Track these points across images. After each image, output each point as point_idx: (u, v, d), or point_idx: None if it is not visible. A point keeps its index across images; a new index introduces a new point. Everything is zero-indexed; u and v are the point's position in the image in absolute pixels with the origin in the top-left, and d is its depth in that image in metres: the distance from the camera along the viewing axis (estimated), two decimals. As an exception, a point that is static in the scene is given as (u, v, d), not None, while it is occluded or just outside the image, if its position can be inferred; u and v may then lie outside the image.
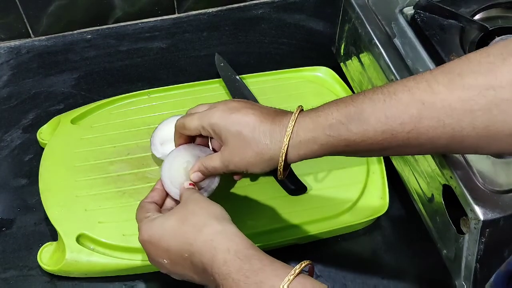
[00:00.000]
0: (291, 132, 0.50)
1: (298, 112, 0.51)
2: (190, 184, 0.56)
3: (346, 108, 0.48)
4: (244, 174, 0.63)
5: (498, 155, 0.55)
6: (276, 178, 0.66)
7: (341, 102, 0.49)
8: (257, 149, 0.51)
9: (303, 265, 0.43)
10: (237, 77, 0.77)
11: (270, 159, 0.52)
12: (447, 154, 0.55)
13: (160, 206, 0.57)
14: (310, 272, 0.48)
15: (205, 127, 0.54)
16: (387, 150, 0.48)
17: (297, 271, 0.42)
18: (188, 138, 0.60)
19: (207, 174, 0.57)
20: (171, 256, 0.49)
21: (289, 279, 0.42)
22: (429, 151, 0.48)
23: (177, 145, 0.61)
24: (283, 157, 0.51)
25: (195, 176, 0.56)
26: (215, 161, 0.55)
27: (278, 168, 0.52)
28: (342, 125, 0.48)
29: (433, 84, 0.44)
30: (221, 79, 0.78)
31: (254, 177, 0.67)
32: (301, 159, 0.52)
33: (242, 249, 0.45)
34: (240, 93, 0.75)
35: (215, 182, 0.59)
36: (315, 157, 0.51)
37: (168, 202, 0.58)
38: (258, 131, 0.51)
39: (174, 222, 0.49)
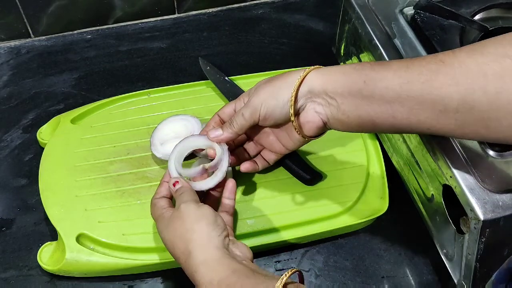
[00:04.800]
0: (314, 68, 0.54)
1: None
2: (174, 184, 0.56)
3: (371, 61, 0.52)
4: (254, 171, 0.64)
5: (501, 150, 0.55)
6: (292, 173, 0.67)
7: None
8: (284, 76, 0.55)
9: (284, 279, 0.43)
10: (227, 78, 0.77)
11: (292, 81, 0.54)
12: (451, 149, 0.55)
13: (170, 198, 0.57)
14: (300, 279, 0.48)
15: (241, 96, 0.59)
16: (401, 103, 0.49)
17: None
18: (221, 122, 0.61)
19: (228, 130, 0.58)
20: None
21: None
22: (443, 116, 0.47)
23: (210, 125, 0.62)
24: (304, 76, 0.53)
25: (214, 133, 0.58)
26: (231, 104, 0.59)
27: (292, 92, 0.53)
28: (366, 65, 0.51)
29: (456, 50, 0.47)
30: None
31: (254, 176, 0.67)
32: (321, 88, 0.53)
33: (225, 278, 0.46)
34: (233, 93, 0.75)
35: (225, 161, 0.58)
36: (333, 92, 0.52)
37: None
38: (288, 73, 0.55)
39: (168, 243, 0.51)
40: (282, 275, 0.44)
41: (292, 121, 0.54)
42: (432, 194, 0.59)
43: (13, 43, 0.88)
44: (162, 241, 0.52)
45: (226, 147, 0.59)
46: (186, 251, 0.48)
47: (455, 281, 0.57)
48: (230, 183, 0.58)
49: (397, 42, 0.67)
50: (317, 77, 0.53)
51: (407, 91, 0.48)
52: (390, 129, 0.52)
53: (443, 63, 0.46)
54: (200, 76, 0.80)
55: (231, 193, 0.58)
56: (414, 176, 0.63)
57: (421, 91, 0.47)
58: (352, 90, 0.51)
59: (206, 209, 0.51)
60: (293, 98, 0.53)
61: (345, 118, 0.52)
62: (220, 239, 0.49)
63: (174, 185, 0.56)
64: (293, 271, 0.45)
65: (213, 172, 0.59)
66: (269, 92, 0.55)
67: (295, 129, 0.55)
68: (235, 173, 0.66)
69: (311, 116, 0.54)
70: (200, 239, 0.49)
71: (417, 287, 0.62)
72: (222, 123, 0.60)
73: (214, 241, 0.49)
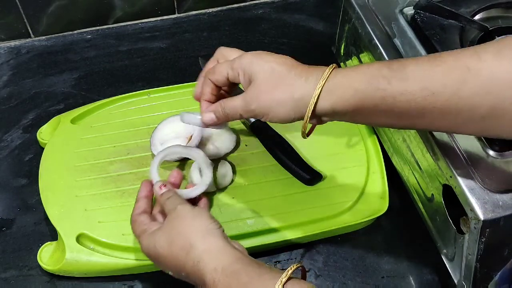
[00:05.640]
0: (329, 75, 0.48)
1: (334, 66, 0.49)
2: (160, 186, 0.56)
3: (389, 63, 0.47)
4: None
5: (501, 150, 0.55)
6: (292, 173, 0.66)
7: (382, 62, 0.48)
8: (288, 85, 0.48)
9: (290, 271, 0.43)
10: None
11: (299, 99, 0.48)
12: (451, 150, 0.55)
13: (150, 213, 0.57)
14: (303, 275, 0.48)
15: (235, 67, 0.51)
16: (423, 116, 0.45)
17: (283, 280, 0.43)
18: (213, 88, 0.55)
19: (222, 118, 0.53)
20: (172, 271, 0.51)
21: None
22: (464, 124, 0.46)
23: (203, 95, 0.56)
24: (316, 99, 0.47)
25: (208, 116, 0.54)
26: (236, 101, 0.51)
27: (307, 113, 0.48)
28: (383, 76, 0.46)
29: (480, 52, 0.43)
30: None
31: (254, 176, 0.67)
32: (331, 109, 0.48)
33: (228, 265, 0.46)
34: (233, 93, 0.74)
35: (207, 172, 0.61)
36: (345, 111, 0.48)
37: (156, 208, 0.59)
38: (295, 71, 0.49)
39: (164, 244, 0.50)
40: (287, 268, 0.44)
41: (305, 136, 0.52)
42: (432, 194, 0.59)
43: (13, 43, 0.88)
44: (149, 255, 0.52)
45: (206, 159, 0.62)
46: (186, 245, 0.48)
47: (455, 281, 0.57)
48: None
49: (397, 42, 0.67)
50: (324, 97, 0.48)
51: (432, 103, 0.44)
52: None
53: (469, 70, 0.43)
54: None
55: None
56: (414, 176, 0.63)
57: (448, 103, 0.44)
58: (367, 106, 0.47)
59: (201, 209, 0.53)
60: (305, 125, 0.50)
61: (357, 123, 0.52)
62: (219, 231, 0.50)
63: (160, 187, 0.56)
64: (297, 265, 0.45)
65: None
66: (272, 104, 0.49)
67: (302, 135, 0.52)
68: (235, 174, 0.66)
69: (317, 122, 0.52)
70: (201, 231, 0.49)
71: (417, 287, 0.62)
72: (216, 87, 0.55)
73: (214, 232, 0.49)
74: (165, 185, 0.56)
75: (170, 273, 0.52)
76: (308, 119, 0.49)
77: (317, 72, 0.49)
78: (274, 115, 0.50)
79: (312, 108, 0.48)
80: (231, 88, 0.56)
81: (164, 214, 0.55)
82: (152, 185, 0.58)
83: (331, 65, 0.49)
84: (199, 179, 0.62)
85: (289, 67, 0.49)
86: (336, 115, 0.49)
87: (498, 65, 0.42)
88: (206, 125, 0.55)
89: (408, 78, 0.45)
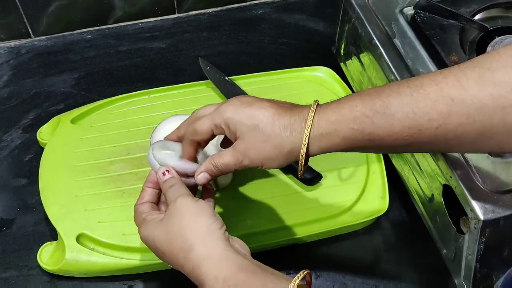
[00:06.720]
0: (312, 123, 0.48)
1: (316, 104, 0.49)
2: (164, 172, 0.53)
3: (371, 101, 0.46)
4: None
5: (500, 154, 0.55)
6: (291, 173, 0.67)
7: (365, 95, 0.47)
8: (276, 142, 0.49)
9: (297, 281, 0.42)
10: (227, 78, 0.77)
11: (289, 152, 0.49)
12: (453, 153, 0.55)
13: (155, 203, 0.54)
14: (308, 281, 0.46)
15: (218, 124, 0.51)
16: (411, 146, 0.46)
17: None
18: (198, 145, 0.55)
19: (216, 174, 0.53)
20: (171, 265, 0.49)
21: None
22: (454, 148, 0.47)
23: (186, 155, 0.55)
24: (305, 149, 0.48)
25: (202, 177, 0.53)
26: (226, 157, 0.51)
27: (300, 162, 0.49)
28: (367, 118, 0.46)
29: (462, 79, 0.42)
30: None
31: (254, 176, 0.67)
32: (322, 152, 0.49)
33: (231, 275, 0.44)
34: (233, 93, 0.75)
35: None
36: (336, 151, 0.49)
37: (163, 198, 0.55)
38: (278, 124, 0.49)
39: (163, 240, 0.48)
40: (294, 276, 0.42)
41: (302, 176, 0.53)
42: (432, 194, 0.59)
43: (13, 43, 0.88)
44: (148, 245, 0.50)
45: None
46: (185, 246, 0.46)
47: (455, 281, 0.57)
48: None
49: (397, 42, 0.67)
50: (313, 144, 0.49)
51: (420, 138, 0.44)
52: None
53: (453, 101, 0.42)
54: (200, 76, 0.80)
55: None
56: (414, 176, 0.63)
57: (435, 137, 0.44)
58: (357, 147, 0.48)
59: (203, 203, 0.49)
60: (301, 171, 0.50)
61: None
62: (221, 232, 0.47)
63: (164, 174, 0.53)
64: (304, 273, 0.43)
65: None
66: (264, 158, 0.50)
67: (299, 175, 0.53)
68: (235, 174, 0.66)
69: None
70: (202, 232, 0.47)
71: (417, 287, 0.62)
72: (199, 144, 0.55)
73: (216, 233, 0.47)
74: (168, 171, 0.53)
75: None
76: (302, 167, 0.50)
77: (300, 118, 0.49)
78: (268, 167, 0.51)
79: (304, 157, 0.49)
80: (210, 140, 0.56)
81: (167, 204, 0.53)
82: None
83: (312, 105, 0.49)
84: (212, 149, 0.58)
85: (271, 120, 0.49)
86: (327, 151, 0.50)
87: (481, 92, 0.41)
88: (200, 184, 0.54)
89: (392, 117, 0.45)
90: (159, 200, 0.55)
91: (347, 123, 0.47)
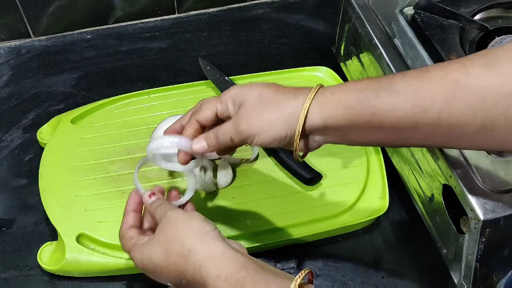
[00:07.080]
0: (317, 90, 0.48)
1: (321, 85, 0.49)
2: (149, 195, 0.54)
3: (377, 79, 0.46)
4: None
5: (500, 153, 0.55)
6: (292, 173, 0.66)
7: (371, 78, 0.47)
8: (278, 103, 0.48)
9: (298, 280, 0.42)
10: (227, 78, 0.77)
11: (291, 114, 0.47)
12: (451, 150, 0.55)
13: (139, 227, 0.54)
14: (310, 280, 0.46)
15: (223, 99, 0.51)
16: (415, 131, 0.45)
17: None
18: (200, 128, 0.54)
19: (214, 144, 0.52)
20: (170, 281, 0.49)
21: None
22: (455, 140, 0.46)
23: (188, 133, 0.54)
24: (306, 110, 0.47)
25: (198, 144, 0.52)
26: (226, 125, 0.51)
27: (298, 125, 0.47)
28: (372, 92, 0.45)
29: (468, 65, 0.43)
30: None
31: (254, 176, 0.67)
32: (323, 124, 0.47)
33: (233, 273, 0.44)
34: None
35: (192, 182, 0.57)
36: (337, 127, 0.47)
37: (146, 221, 0.56)
38: (282, 92, 0.49)
39: (160, 254, 0.48)
40: (296, 275, 0.43)
41: (297, 160, 0.52)
42: (432, 194, 0.59)
43: (13, 43, 0.88)
44: (144, 267, 0.50)
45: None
46: (184, 250, 0.46)
47: (455, 281, 0.57)
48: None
49: (397, 42, 0.67)
50: (315, 112, 0.47)
51: (423, 119, 0.44)
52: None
53: (457, 84, 0.42)
54: (200, 76, 0.80)
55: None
56: (414, 176, 0.63)
57: (439, 118, 0.43)
58: (359, 122, 0.46)
59: (193, 211, 0.51)
60: (297, 140, 0.48)
61: (350, 143, 0.50)
62: (216, 233, 0.48)
63: (150, 196, 0.54)
64: (306, 272, 0.44)
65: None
66: (263, 125, 0.49)
67: (295, 158, 0.52)
68: (234, 174, 0.66)
69: (310, 144, 0.50)
70: (198, 234, 0.47)
71: (417, 287, 0.62)
72: (202, 128, 0.54)
73: (212, 234, 0.47)
74: (154, 194, 0.54)
75: (169, 284, 0.50)
76: (299, 134, 0.48)
77: (304, 91, 0.48)
78: (266, 135, 0.49)
79: (303, 121, 0.47)
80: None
81: (153, 229, 0.53)
82: (140, 197, 0.55)
83: (317, 84, 0.49)
84: (191, 182, 0.58)
85: (277, 90, 0.50)
86: (329, 131, 0.48)
87: (485, 80, 0.42)
88: (194, 153, 0.53)
89: (397, 94, 0.45)
90: (141, 224, 0.55)
91: (352, 93, 0.46)
